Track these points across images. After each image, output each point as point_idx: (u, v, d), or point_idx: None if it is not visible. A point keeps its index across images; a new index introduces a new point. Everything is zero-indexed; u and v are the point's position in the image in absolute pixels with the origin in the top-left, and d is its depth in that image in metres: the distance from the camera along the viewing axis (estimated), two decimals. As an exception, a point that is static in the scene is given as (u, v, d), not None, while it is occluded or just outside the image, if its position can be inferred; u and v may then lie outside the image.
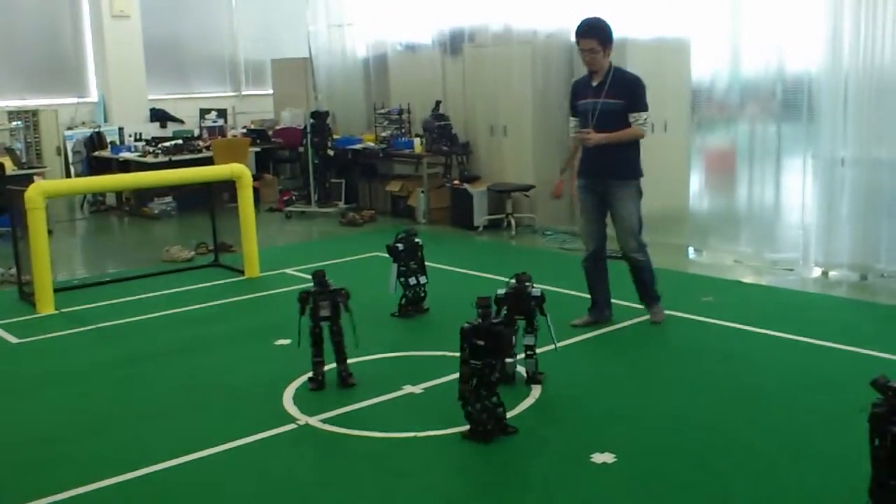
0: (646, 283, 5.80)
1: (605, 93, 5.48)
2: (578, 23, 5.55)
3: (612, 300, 5.98)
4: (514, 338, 4.21)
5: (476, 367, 3.93)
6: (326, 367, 4.78)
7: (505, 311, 4.72)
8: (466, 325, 3.98)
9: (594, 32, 5.47)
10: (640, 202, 5.68)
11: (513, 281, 4.77)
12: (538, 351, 4.75)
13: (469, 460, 3.91)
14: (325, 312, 4.71)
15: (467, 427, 4.03)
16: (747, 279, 7.15)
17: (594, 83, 5.56)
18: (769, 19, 7.37)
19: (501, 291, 4.77)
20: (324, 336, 4.75)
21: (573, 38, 8.77)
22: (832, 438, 4.01)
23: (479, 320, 3.97)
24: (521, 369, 4.83)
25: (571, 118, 5.82)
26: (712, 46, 7.91)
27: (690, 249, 8.22)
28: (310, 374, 4.79)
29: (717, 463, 3.80)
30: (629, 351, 5.40)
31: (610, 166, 5.56)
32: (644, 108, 5.54)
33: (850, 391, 4.35)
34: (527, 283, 4.74)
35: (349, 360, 4.82)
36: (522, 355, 4.75)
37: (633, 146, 5.61)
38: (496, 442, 4.05)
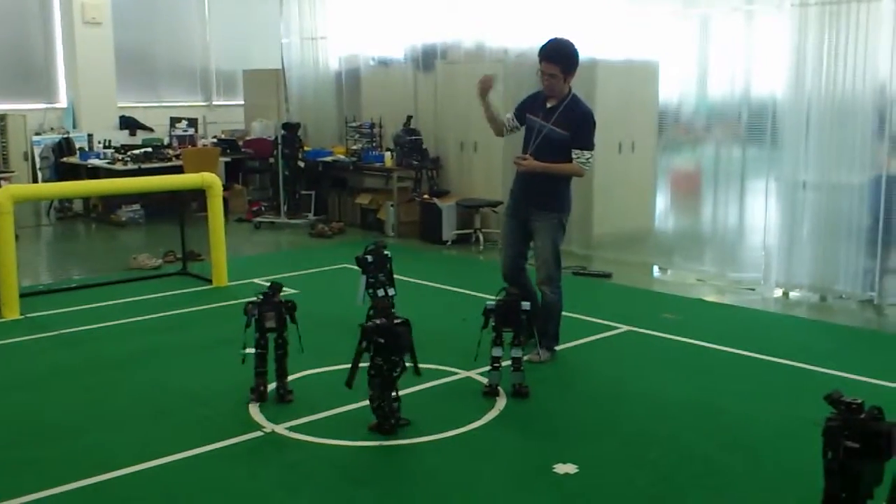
0: (546, 320, 5.39)
1: (555, 119, 5.24)
2: (544, 42, 5.33)
3: (578, 315, 6.04)
4: (410, 338, 4.32)
5: (379, 364, 4.19)
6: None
7: (493, 323, 4.78)
8: (369, 324, 4.24)
9: (559, 59, 5.23)
10: (560, 237, 5.42)
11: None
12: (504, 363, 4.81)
13: (432, 469, 3.96)
14: (270, 324, 4.64)
15: (375, 421, 4.30)
16: (710, 298, 7.28)
17: (548, 104, 5.34)
18: (736, 44, 7.56)
19: (491, 303, 4.82)
20: (269, 348, 4.68)
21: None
22: (788, 452, 4.11)
23: (382, 320, 4.20)
24: (483, 381, 4.89)
25: (509, 116, 5.56)
26: (680, 70, 8.07)
27: (655, 268, 8.36)
28: (251, 386, 4.71)
29: (676, 476, 3.88)
30: (594, 365, 5.47)
31: (536, 195, 5.32)
32: (590, 146, 5.27)
33: (805, 407, 4.46)
34: (515, 296, 4.79)
35: (309, 371, 4.82)
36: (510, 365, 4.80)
37: (565, 180, 5.38)
38: (461, 451, 4.11)
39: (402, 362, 4.26)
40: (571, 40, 5.39)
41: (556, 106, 5.29)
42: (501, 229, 5.65)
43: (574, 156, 5.25)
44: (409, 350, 4.31)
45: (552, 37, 5.39)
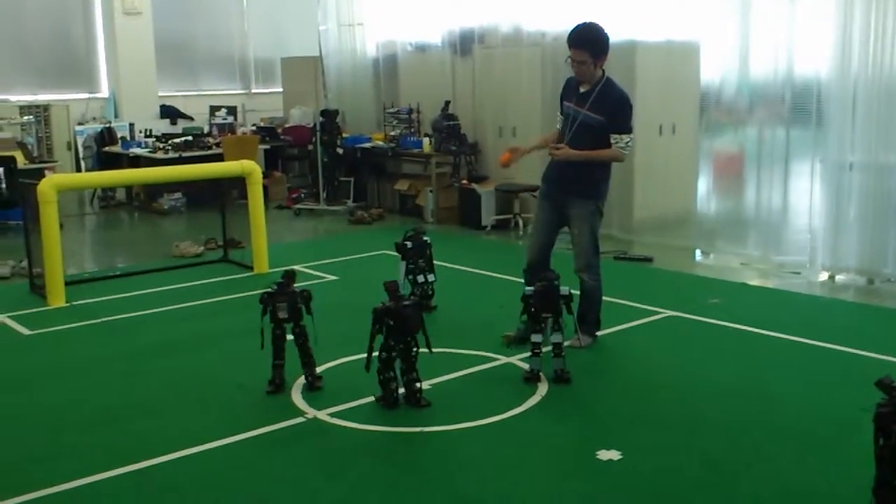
0: (587, 307, 5.31)
1: (589, 105, 5.12)
2: (572, 29, 5.19)
3: (620, 300, 5.97)
4: (422, 319, 4.45)
5: (391, 345, 4.35)
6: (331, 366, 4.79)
7: (532, 309, 4.75)
8: (379, 306, 4.35)
9: (586, 44, 5.08)
10: (598, 224, 5.32)
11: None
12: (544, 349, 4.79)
13: (474, 455, 3.94)
14: (283, 314, 4.61)
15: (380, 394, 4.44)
16: (754, 282, 7.17)
17: (581, 89, 5.19)
18: (778, 23, 7.39)
19: (530, 289, 4.78)
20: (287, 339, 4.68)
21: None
22: (837, 438, 4.03)
23: (391, 302, 4.34)
24: (525, 367, 4.86)
25: (560, 115, 5.45)
26: (721, 50, 7.93)
27: (697, 252, 8.25)
28: (269, 378, 4.69)
29: (723, 463, 3.83)
30: (636, 350, 5.42)
31: (572, 182, 5.21)
32: (628, 129, 5.16)
33: (855, 392, 4.38)
34: (555, 282, 4.76)
35: (349, 358, 4.80)
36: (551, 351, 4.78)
37: (605, 166, 5.29)
38: (502, 437, 4.10)
39: (414, 342, 4.37)
40: (599, 23, 5.21)
41: (589, 91, 5.15)
42: (534, 214, 5.51)
43: (613, 140, 5.13)
44: (419, 331, 4.40)
45: (580, 22, 5.23)
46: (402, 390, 4.46)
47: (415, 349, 4.40)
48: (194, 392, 4.80)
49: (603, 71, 5.20)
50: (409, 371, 4.43)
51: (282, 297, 4.63)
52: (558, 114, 5.47)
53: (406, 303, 4.40)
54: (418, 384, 4.45)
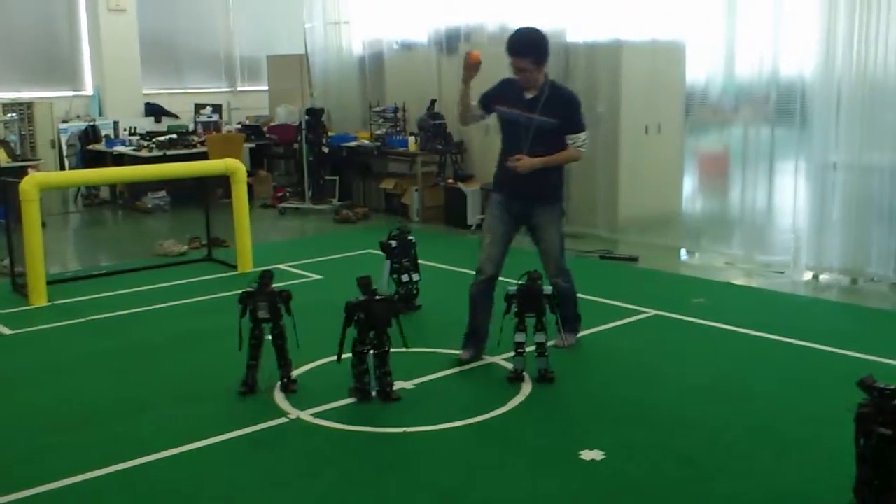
0: (565, 308, 5.14)
1: (541, 110, 4.95)
2: (511, 35, 5.02)
3: (605, 300, 5.97)
4: (396, 314, 4.55)
5: (361, 339, 4.45)
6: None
7: (515, 308, 4.74)
8: (352, 300, 4.44)
9: (529, 52, 4.91)
10: (562, 225, 5.25)
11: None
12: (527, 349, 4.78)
13: (457, 456, 3.94)
14: (262, 314, 4.57)
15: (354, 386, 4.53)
16: (738, 281, 7.19)
17: (527, 95, 5.00)
18: (764, 23, 7.41)
19: (513, 289, 4.77)
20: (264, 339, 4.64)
21: (568, 40, 8.96)
22: (818, 438, 4.04)
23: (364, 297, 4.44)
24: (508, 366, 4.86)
25: (478, 104, 5.19)
26: (707, 50, 7.95)
27: (682, 251, 8.27)
28: (242, 378, 4.65)
29: (704, 462, 3.84)
30: (620, 350, 5.42)
31: (536, 188, 5.04)
32: (582, 128, 5.05)
33: (836, 392, 4.38)
34: (538, 281, 4.74)
35: (332, 358, 4.79)
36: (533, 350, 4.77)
37: (562, 168, 5.20)
38: (485, 437, 4.09)
39: (386, 337, 4.46)
40: (538, 28, 5.11)
41: (537, 96, 4.99)
42: (489, 225, 5.20)
43: (570, 141, 5.03)
44: (390, 325, 4.47)
45: (519, 28, 5.08)
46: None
47: (387, 344, 4.47)
48: (178, 392, 4.77)
49: (545, 74, 5.06)
50: (381, 365, 4.50)
51: (261, 297, 4.59)
52: (474, 103, 5.17)
53: (378, 297, 4.47)
54: (390, 378, 4.51)
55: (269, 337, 4.65)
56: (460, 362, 5.07)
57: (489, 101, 5.18)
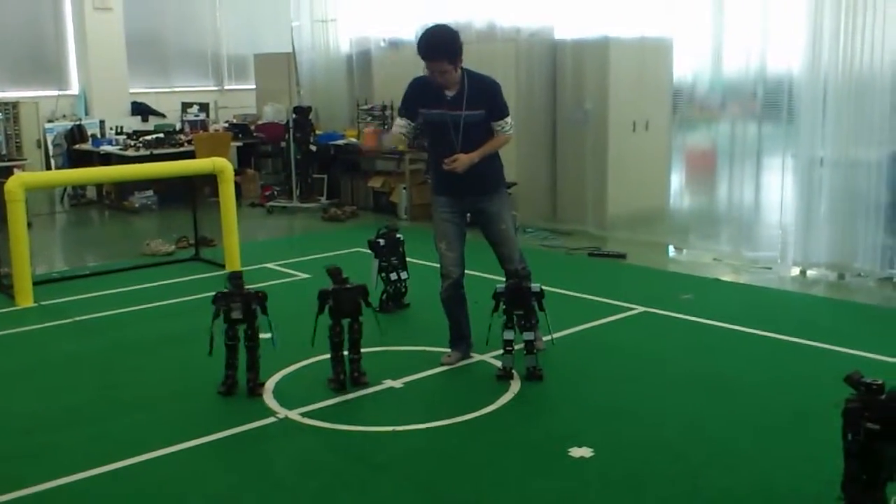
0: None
1: (466, 105, 4.81)
2: (419, 38, 4.88)
3: (593, 297, 5.97)
4: (365, 300, 4.70)
5: (333, 325, 4.62)
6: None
7: (503, 306, 4.73)
8: (323, 289, 4.65)
9: (443, 55, 4.73)
10: (511, 210, 5.17)
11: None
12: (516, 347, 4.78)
13: (446, 454, 3.94)
14: (236, 315, 4.53)
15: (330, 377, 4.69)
16: (726, 277, 7.21)
17: (448, 93, 4.84)
18: (751, 20, 7.44)
19: (501, 286, 4.77)
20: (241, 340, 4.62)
21: (556, 37, 8.97)
22: (806, 433, 4.06)
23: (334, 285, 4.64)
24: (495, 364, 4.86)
25: (401, 119, 5.09)
26: (694, 47, 7.97)
27: (670, 247, 8.29)
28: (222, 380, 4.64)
29: (692, 457, 3.85)
30: (609, 347, 5.42)
31: (481, 180, 4.94)
32: (507, 112, 4.95)
33: (824, 387, 4.40)
34: (526, 279, 4.74)
35: (321, 357, 4.77)
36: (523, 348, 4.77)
37: (498, 154, 5.06)
38: (474, 436, 4.09)
39: (356, 323, 4.65)
40: (444, 24, 5.02)
41: (459, 91, 4.85)
42: (440, 229, 5.06)
43: (497, 127, 4.92)
44: (360, 313, 4.65)
45: (424, 30, 4.92)
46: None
47: (358, 332, 4.66)
48: (165, 392, 4.75)
49: (461, 68, 4.88)
50: (352, 350, 4.68)
51: (235, 298, 4.56)
52: (403, 121, 5.09)
53: (347, 286, 4.64)
54: (360, 363, 4.70)
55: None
56: (443, 365, 5.04)
57: (413, 107, 5.02)
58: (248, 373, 4.61)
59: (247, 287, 4.62)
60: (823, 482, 3.30)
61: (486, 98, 4.89)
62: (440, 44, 4.78)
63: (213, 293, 4.66)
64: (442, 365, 5.04)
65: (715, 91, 7.86)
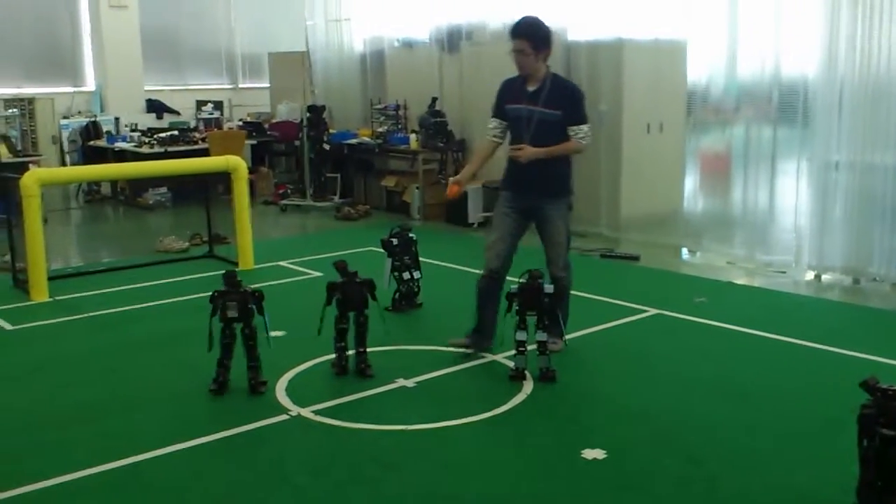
0: (563, 306, 5.10)
1: (543, 102, 4.96)
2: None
3: (606, 298, 5.95)
4: (369, 295, 4.86)
5: (340, 317, 4.80)
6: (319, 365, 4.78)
7: (516, 307, 4.73)
8: (331, 282, 4.82)
9: (526, 34, 4.94)
10: (569, 220, 5.21)
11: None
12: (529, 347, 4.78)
13: (458, 454, 3.93)
14: (232, 313, 4.53)
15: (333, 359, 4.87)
16: (740, 281, 7.18)
17: (530, 88, 5.01)
18: (766, 23, 7.40)
19: (514, 287, 4.76)
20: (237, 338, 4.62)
21: (569, 39, 8.95)
22: (821, 438, 4.03)
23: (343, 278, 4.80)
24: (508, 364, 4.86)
25: (493, 119, 5.22)
26: (709, 49, 7.94)
27: (684, 250, 8.26)
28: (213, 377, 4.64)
29: (707, 460, 3.82)
30: (622, 349, 5.40)
31: (542, 182, 5.01)
32: (585, 120, 5.03)
33: (839, 393, 4.38)
34: (539, 280, 4.73)
35: (333, 355, 4.81)
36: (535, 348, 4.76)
37: (567, 160, 5.14)
38: (486, 435, 4.09)
39: (362, 316, 4.81)
40: (541, 19, 5.13)
41: (539, 88, 5.00)
42: (497, 221, 5.17)
43: (572, 133, 4.99)
44: (367, 306, 4.81)
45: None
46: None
47: (364, 324, 4.81)
48: (178, 388, 4.76)
49: (548, 67, 5.07)
50: (358, 343, 4.83)
51: (232, 297, 4.57)
52: (494, 121, 5.22)
53: (356, 280, 4.80)
54: (365, 354, 4.82)
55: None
56: (449, 345, 5.12)
57: (501, 105, 5.18)
58: (249, 371, 4.62)
59: (246, 287, 4.63)
60: (839, 488, 3.29)
61: (565, 101, 5.00)
62: (526, 24, 5.03)
63: (213, 291, 4.67)
64: (449, 346, 5.11)
65: (729, 94, 7.83)
